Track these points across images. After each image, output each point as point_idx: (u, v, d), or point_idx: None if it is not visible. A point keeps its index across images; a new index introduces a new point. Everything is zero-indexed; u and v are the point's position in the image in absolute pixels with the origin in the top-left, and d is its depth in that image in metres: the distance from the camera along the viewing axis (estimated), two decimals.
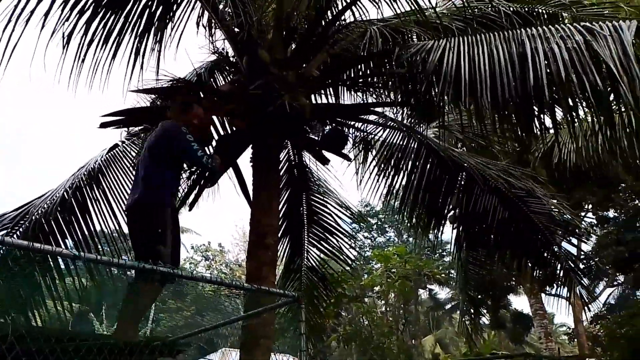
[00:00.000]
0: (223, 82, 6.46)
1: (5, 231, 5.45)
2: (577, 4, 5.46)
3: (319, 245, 7.75)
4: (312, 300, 7.96)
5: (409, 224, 7.20)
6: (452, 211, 7.13)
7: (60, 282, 5.47)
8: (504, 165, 6.79)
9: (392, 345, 18.84)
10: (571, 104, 3.89)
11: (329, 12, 5.62)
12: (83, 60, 4.69)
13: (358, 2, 5.75)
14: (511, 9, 5.49)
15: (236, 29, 5.14)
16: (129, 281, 3.74)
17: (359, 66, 6.42)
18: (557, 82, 3.62)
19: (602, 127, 3.94)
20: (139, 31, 4.96)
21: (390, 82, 6.09)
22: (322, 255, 7.85)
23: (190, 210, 6.16)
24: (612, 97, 3.75)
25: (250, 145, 5.58)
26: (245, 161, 5.67)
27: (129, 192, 5.90)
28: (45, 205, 5.58)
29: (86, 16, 4.51)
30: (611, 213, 16.13)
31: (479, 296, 13.44)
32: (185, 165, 5.78)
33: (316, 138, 5.87)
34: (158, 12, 4.96)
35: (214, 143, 5.28)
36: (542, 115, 4.20)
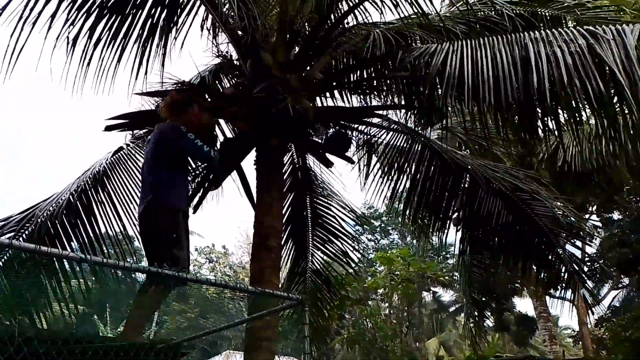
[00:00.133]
0: (228, 85, 6.49)
1: (11, 234, 5.48)
2: (580, 6, 5.46)
3: (323, 248, 7.75)
4: (316, 303, 7.96)
5: (412, 227, 7.21)
6: (456, 214, 7.13)
7: (66, 285, 5.50)
8: (508, 168, 6.79)
9: (395, 348, 18.82)
10: (574, 107, 3.90)
11: (332, 15, 5.64)
12: (89, 64, 4.73)
13: (361, 6, 5.77)
14: (514, 12, 5.50)
15: (240, 32, 5.16)
16: (139, 284, 3.75)
17: (362, 69, 6.44)
18: (560, 86, 3.63)
19: (606, 131, 3.94)
20: (144, 35, 5.00)
21: (393, 85, 6.11)
22: (326, 258, 7.86)
23: (194, 212, 6.18)
24: (615, 99, 3.76)
25: (254, 148, 5.61)
26: (249, 164, 5.69)
27: (134, 194, 5.96)
28: (51, 208, 5.61)
29: (91, 20, 4.56)
30: (615, 215, 16.10)
31: (483, 299, 13.44)
32: (190, 165, 5.83)
33: (320, 141, 5.89)
34: (162, 16, 5.00)
35: (218, 145, 5.30)
36: (545, 118, 4.21)
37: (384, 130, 6.78)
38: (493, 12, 5.64)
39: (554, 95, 3.75)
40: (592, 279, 15.82)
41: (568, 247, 6.95)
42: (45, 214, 5.55)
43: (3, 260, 5.37)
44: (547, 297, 16.35)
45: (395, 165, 6.94)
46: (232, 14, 4.85)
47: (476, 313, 11.77)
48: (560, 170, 10.78)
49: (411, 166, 6.81)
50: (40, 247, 2.42)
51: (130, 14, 4.76)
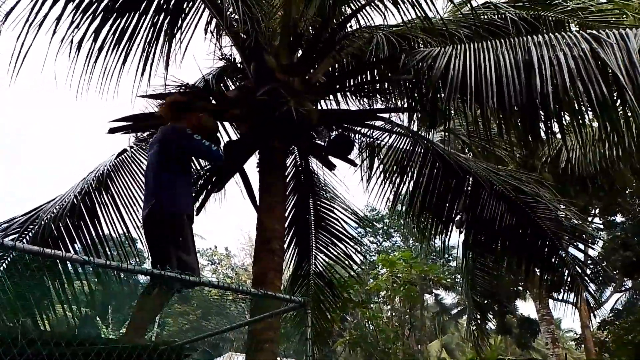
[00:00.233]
0: (231, 88, 6.50)
1: (15, 236, 5.50)
2: (584, 10, 5.47)
3: (326, 251, 7.75)
4: (319, 306, 7.95)
5: (415, 229, 7.20)
6: (459, 216, 7.13)
7: (69, 287, 5.51)
8: (511, 171, 6.79)
9: (397, 351, 18.78)
10: (577, 110, 3.90)
11: (335, 19, 5.65)
12: (94, 66, 4.76)
13: (364, 10, 5.78)
14: (517, 15, 5.50)
15: (243, 36, 5.17)
16: (142, 286, 3.76)
17: (365, 72, 6.45)
18: (563, 90, 3.63)
19: (609, 135, 3.94)
20: (148, 38, 5.02)
21: (396, 88, 6.12)
22: (329, 261, 7.86)
23: (197, 214, 6.19)
24: (618, 103, 3.76)
25: (257, 151, 5.62)
26: (252, 166, 5.70)
27: (137, 196, 5.97)
28: (55, 210, 5.63)
29: (96, 22, 4.59)
30: (618, 218, 16.07)
31: (486, 301, 13.41)
32: (195, 166, 5.84)
33: (322, 143, 5.90)
34: (167, 19, 5.02)
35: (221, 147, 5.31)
36: (548, 122, 4.21)
37: (386, 133, 6.79)
38: (496, 16, 5.65)
39: (557, 99, 3.75)
40: (595, 281, 15.80)
41: (571, 249, 6.95)
42: (49, 216, 5.57)
43: (7, 262, 5.39)
44: (550, 300, 16.33)
45: (398, 167, 6.95)
46: (235, 17, 4.87)
47: (478, 316, 11.74)
48: (563, 173, 10.77)
49: (414, 169, 6.81)
50: (44, 249, 2.44)
51: (135, 17, 4.79)
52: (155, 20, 4.98)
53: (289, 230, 7.37)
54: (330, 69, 6.07)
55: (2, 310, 5.07)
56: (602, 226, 16.44)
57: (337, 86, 6.47)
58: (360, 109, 6.55)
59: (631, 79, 3.35)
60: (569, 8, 5.55)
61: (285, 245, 7.18)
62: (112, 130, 5.67)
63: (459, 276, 24.68)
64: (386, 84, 6.32)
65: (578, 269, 6.88)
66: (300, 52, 5.67)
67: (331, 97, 6.61)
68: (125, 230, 5.99)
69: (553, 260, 6.84)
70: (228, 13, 5.28)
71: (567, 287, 7.03)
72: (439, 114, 5.58)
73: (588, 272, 10.29)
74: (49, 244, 5.33)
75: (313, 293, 7.78)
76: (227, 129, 6.36)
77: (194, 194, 5.96)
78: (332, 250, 7.74)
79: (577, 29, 5.25)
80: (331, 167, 6.36)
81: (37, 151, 65.89)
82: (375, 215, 30.15)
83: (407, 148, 6.84)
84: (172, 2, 5.02)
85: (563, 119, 4.18)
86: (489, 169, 6.45)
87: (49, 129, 74.58)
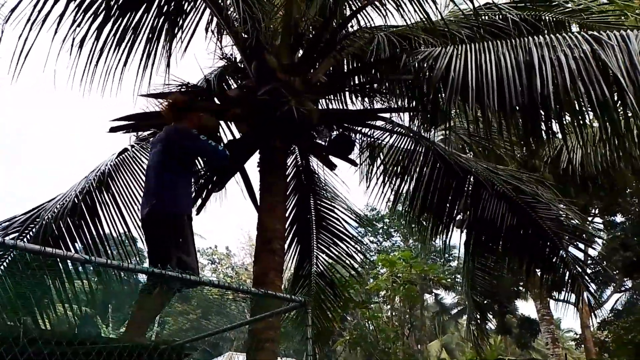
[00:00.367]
0: (232, 87, 6.50)
1: (15, 234, 5.50)
2: (585, 11, 5.47)
3: (327, 251, 7.75)
4: (321, 305, 7.96)
5: (415, 229, 7.20)
6: (460, 216, 7.13)
7: (69, 286, 5.52)
8: (512, 171, 6.79)
9: (397, 350, 18.79)
10: (578, 111, 3.90)
11: (336, 18, 5.65)
12: (96, 66, 4.77)
13: (365, 10, 5.78)
14: (519, 16, 5.50)
15: (245, 35, 5.18)
16: (141, 286, 3.76)
17: (366, 72, 6.45)
18: (564, 91, 3.64)
19: (609, 136, 3.94)
20: (150, 37, 5.03)
21: (397, 88, 6.12)
22: (330, 261, 7.86)
23: (197, 214, 6.20)
24: (618, 104, 3.76)
25: (258, 150, 5.62)
26: (252, 166, 5.71)
27: (138, 196, 5.97)
28: (56, 209, 5.63)
29: (98, 21, 4.60)
30: (618, 218, 16.07)
31: (486, 301, 13.41)
32: (200, 165, 5.84)
33: (323, 143, 5.91)
34: (168, 18, 5.03)
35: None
36: (549, 122, 4.21)
37: (387, 133, 6.79)
38: (497, 17, 5.65)
39: (557, 100, 3.75)
40: (595, 281, 15.79)
41: (571, 249, 6.95)
42: (50, 215, 5.58)
43: (7, 261, 5.40)
44: (550, 300, 16.33)
45: (399, 167, 6.95)
46: (236, 16, 4.87)
47: (478, 315, 11.73)
48: (564, 173, 10.76)
49: (415, 169, 6.81)
50: (45, 248, 2.44)
51: (136, 16, 4.79)
52: (156, 19, 4.98)
53: (289, 229, 7.37)
54: (331, 68, 6.08)
55: (2, 309, 5.08)
56: (602, 226, 16.44)
57: (338, 86, 6.47)
58: (361, 109, 6.55)
59: (632, 80, 3.35)
60: (570, 9, 5.55)
61: (286, 245, 7.19)
62: (113, 130, 5.67)
63: (459, 276, 24.72)
64: (387, 84, 6.32)
65: (579, 269, 6.88)
66: (301, 51, 5.67)
67: (332, 96, 6.62)
68: (125, 230, 5.99)
69: (554, 260, 6.84)
70: (229, 12, 5.29)
71: (567, 287, 7.03)
72: (440, 114, 5.58)
73: (588, 272, 10.28)
74: (50, 243, 5.33)
75: (315, 293, 7.78)
76: (228, 128, 6.37)
77: (194, 194, 5.97)
78: (333, 250, 7.74)
79: (578, 30, 5.25)
80: (332, 166, 6.36)
81: (37, 151, 65.96)
82: (375, 215, 30.18)
83: (408, 148, 6.85)
84: (173, 2, 5.02)
85: (564, 119, 4.18)
86: (490, 169, 6.45)
87: (49, 129, 74.65)
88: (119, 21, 4.78)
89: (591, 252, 13.17)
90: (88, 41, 4.71)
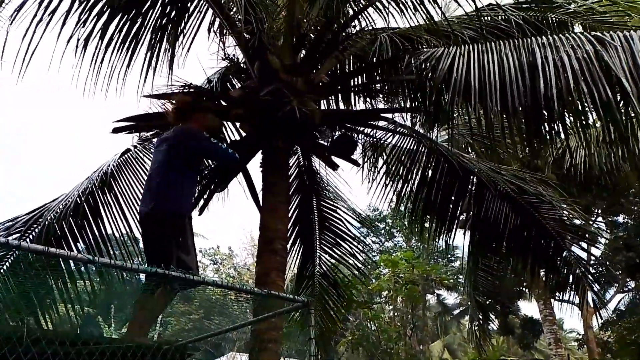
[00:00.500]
0: (235, 88, 6.51)
1: (18, 234, 5.52)
2: (587, 11, 5.45)
3: (330, 251, 7.75)
4: (324, 306, 7.95)
5: (418, 229, 7.19)
6: (462, 216, 7.11)
7: (72, 286, 5.53)
8: (515, 170, 6.78)
9: (399, 351, 18.78)
10: (581, 112, 3.89)
11: (339, 19, 5.65)
12: (100, 67, 4.79)
13: (368, 9, 5.78)
14: (521, 17, 5.49)
15: (247, 36, 5.18)
16: (142, 286, 3.76)
17: (369, 72, 6.45)
18: (567, 91, 3.63)
19: (613, 138, 3.93)
20: (153, 37, 5.04)
21: (399, 88, 6.12)
22: (333, 261, 7.85)
23: (200, 214, 6.20)
24: (621, 104, 3.75)
25: (260, 150, 5.62)
26: (255, 166, 5.71)
27: (140, 196, 5.96)
28: (58, 210, 5.65)
29: (101, 23, 4.61)
30: (620, 218, 16.04)
31: (488, 301, 13.40)
32: (208, 165, 5.85)
33: (325, 143, 5.91)
34: (171, 19, 5.04)
35: None
36: (552, 123, 4.21)
37: (390, 133, 6.78)
38: (499, 17, 5.64)
39: (560, 100, 3.74)
40: (599, 282, 15.75)
41: (575, 250, 6.94)
42: (52, 215, 5.59)
43: (10, 261, 5.41)
44: (553, 300, 16.30)
45: (401, 168, 6.94)
46: (239, 17, 4.88)
47: (481, 316, 11.72)
48: (567, 173, 10.75)
49: (417, 169, 6.80)
50: (49, 248, 2.45)
51: (140, 16, 4.80)
52: (159, 19, 4.99)
53: (292, 230, 7.37)
54: (333, 69, 6.08)
55: (6, 309, 5.09)
56: (604, 226, 16.41)
57: (341, 86, 6.47)
58: (363, 109, 6.55)
59: (635, 81, 3.34)
60: (572, 10, 5.54)
61: (289, 245, 7.18)
62: (116, 130, 5.68)
63: (461, 276, 24.67)
64: (389, 84, 6.31)
65: (583, 269, 6.87)
66: (303, 52, 5.67)
67: (334, 97, 6.62)
68: (128, 230, 6.01)
69: (557, 261, 6.83)
70: (231, 13, 5.30)
71: (571, 288, 7.02)
72: (443, 115, 5.57)
73: (592, 271, 10.26)
74: (53, 243, 5.34)
75: (318, 294, 7.78)
76: (230, 129, 6.37)
77: (196, 194, 5.98)
78: (336, 251, 7.74)
79: (581, 31, 5.24)
80: (334, 167, 6.36)
81: (37, 151, 66.10)
82: (377, 215, 30.17)
83: (411, 148, 6.84)
84: (176, 2, 5.03)
85: (567, 120, 4.17)
86: (493, 168, 6.44)
87: (49, 129, 74.79)
88: (123, 19, 4.79)
89: (595, 252, 13.17)
90: (92, 42, 4.72)
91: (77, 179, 6.23)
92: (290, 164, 6.73)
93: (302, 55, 5.65)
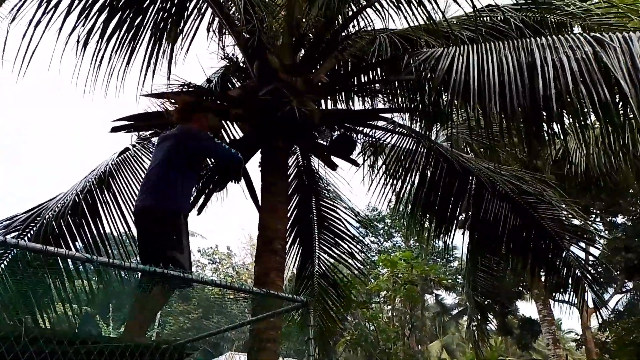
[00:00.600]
0: (235, 87, 6.51)
1: (16, 233, 5.51)
2: (587, 12, 5.46)
3: (329, 251, 7.75)
4: (324, 306, 7.95)
5: (417, 229, 7.20)
6: (462, 216, 7.11)
7: (70, 284, 5.52)
8: (514, 170, 6.78)
9: (398, 351, 18.79)
10: (580, 113, 3.89)
11: (338, 19, 5.65)
12: (99, 66, 4.79)
13: (368, 9, 5.78)
14: (520, 18, 5.50)
15: (246, 35, 5.18)
16: (139, 285, 3.75)
17: (368, 72, 6.44)
18: (566, 92, 3.63)
19: (612, 140, 3.93)
20: (152, 36, 5.04)
21: (399, 88, 6.12)
22: (332, 261, 7.85)
23: (198, 214, 6.20)
24: (620, 105, 3.75)
25: (260, 150, 5.62)
26: (254, 166, 5.71)
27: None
28: (57, 208, 5.64)
29: (100, 22, 4.61)
30: (619, 219, 16.06)
31: (487, 302, 13.40)
32: (209, 164, 5.84)
33: (325, 143, 5.91)
34: (170, 18, 5.03)
35: None
36: (551, 123, 4.21)
37: (389, 133, 6.78)
38: (499, 18, 5.65)
39: (559, 101, 3.75)
40: (597, 282, 15.76)
41: (574, 250, 6.94)
42: (51, 214, 5.58)
43: (8, 259, 5.40)
44: (551, 301, 16.32)
45: (401, 167, 6.94)
46: (238, 16, 4.88)
47: (479, 316, 11.73)
48: (567, 174, 10.76)
49: (416, 169, 6.81)
50: (47, 246, 2.44)
51: (139, 16, 4.80)
52: (158, 19, 4.99)
53: (291, 230, 7.37)
54: (332, 69, 6.07)
55: (4, 308, 5.08)
56: (602, 227, 16.43)
57: (340, 86, 6.47)
58: (363, 109, 6.55)
59: (634, 82, 3.34)
60: (572, 11, 5.54)
61: (288, 245, 7.19)
62: (115, 130, 5.67)
63: (459, 276, 24.71)
64: (389, 84, 6.31)
65: (582, 269, 6.88)
66: (302, 52, 5.67)
67: (334, 97, 6.62)
68: (126, 229, 6.00)
69: (557, 261, 6.84)
70: (231, 12, 5.30)
71: (570, 288, 7.02)
72: (442, 114, 5.58)
73: (592, 272, 10.27)
74: (51, 242, 5.33)
75: (317, 294, 7.78)
76: (230, 129, 6.37)
77: (195, 193, 5.98)
78: (335, 251, 7.74)
79: (580, 32, 5.24)
80: (333, 167, 6.36)
81: (37, 151, 66.07)
82: (376, 215, 30.18)
83: (410, 148, 6.84)
84: (176, 1, 5.03)
85: (566, 121, 4.17)
86: (492, 169, 6.44)
87: (49, 129, 74.74)
88: (123, 17, 4.79)
89: (594, 252, 13.17)
90: (91, 40, 4.72)
91: (77, 178, 6.22)
92: (290, 164, 6.73)
93: (301, 55, 5.65)
